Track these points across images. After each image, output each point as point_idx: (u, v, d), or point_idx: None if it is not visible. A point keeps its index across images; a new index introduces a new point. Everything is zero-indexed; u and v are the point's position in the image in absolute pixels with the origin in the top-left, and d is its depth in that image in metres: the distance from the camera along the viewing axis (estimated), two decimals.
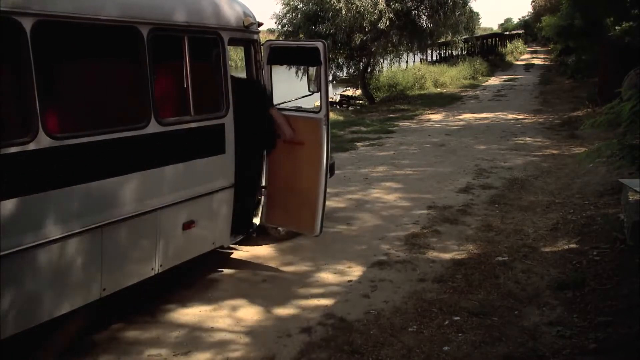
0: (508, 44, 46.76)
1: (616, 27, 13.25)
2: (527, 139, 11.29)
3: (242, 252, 5.37)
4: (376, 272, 4.86)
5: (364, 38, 16.59)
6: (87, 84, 3.84)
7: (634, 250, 4.75)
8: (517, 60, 41.78)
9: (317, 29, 16.27)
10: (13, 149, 3.01)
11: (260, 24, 5.01)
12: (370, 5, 15.55)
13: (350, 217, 6.45)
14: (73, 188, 3.37)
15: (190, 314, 4.22)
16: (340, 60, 18.73)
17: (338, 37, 15.93)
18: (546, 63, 36.82)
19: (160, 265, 4.08)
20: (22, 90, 3.10)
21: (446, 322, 3.95)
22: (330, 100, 7.04)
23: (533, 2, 48.37)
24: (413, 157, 9.78)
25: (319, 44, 4.76)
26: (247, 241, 5.37)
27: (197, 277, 4.78)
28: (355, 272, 4.91)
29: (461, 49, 31.95)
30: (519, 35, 54.39)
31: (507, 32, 56.09)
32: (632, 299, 4.01)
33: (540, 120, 13.84)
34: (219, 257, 5.10)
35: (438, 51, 34.05)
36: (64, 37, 3.49)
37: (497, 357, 3.51)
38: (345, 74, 19.93)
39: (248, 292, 4.57)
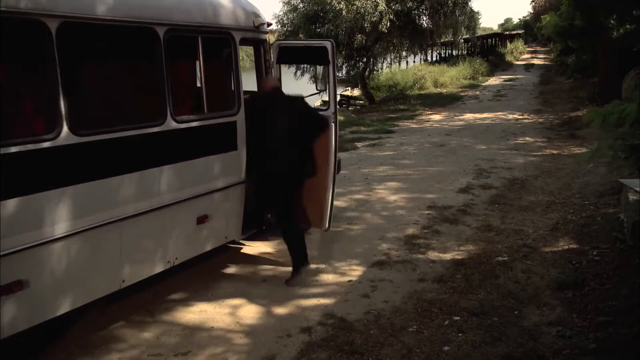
0: (508, 44, 46.76)
1: (619, 30, 13.23)
2: (527, 139, 11.29)
3: (242, 252, 5.37)
4: (376, 272, 4.86)
5: (365, 39, 16.59)
6: (108, 83, 3.97)
7: (634, 250, 4.75)
8: (517, 60, 41.78)
9: (318, 30, 16.26)
10: (39, 145, 3.16)
11: (269, 24, 5.13)
12: (371, 6, 15.55)
13: (351, 217, 6.45)
14: (95, 183, 3.51)
15: (191, 313, 4.22)
16: (340, 61, 18.73)
17: (339, 38, 15.93)
18: (546, 63, 36.81)
19: (176, 259, 4.22)
20: (48, 89, 3.24)
21: (446, 322, 3.95)
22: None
23: (533, 2, 48.37)
24: (413, 157, 9.78)
25: (327, 44, 4.86)
26: (258, 236, 5.46)
27: (197, 277, 4.78)
28: (355, 272, 4.91)
29: (461, 49, 31.95)
30: (519, 35, 54.38)
31: (507, 32, 56.05)
32: (632, 299, 4.01)
33: (540, 120, 13.85)
34: (219, 257, 5.09)
35: (438, 51, 34.06)
36: (86, 38, 3.62)
37: (497, 357, 3.51)
38: (344, 74, 19.93)
39: (248, 292, 4.57)
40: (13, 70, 3.35)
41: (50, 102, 3.25)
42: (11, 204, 3.04)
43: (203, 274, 4.85)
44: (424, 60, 31.14)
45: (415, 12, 17.59)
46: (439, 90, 22.25)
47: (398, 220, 6.28)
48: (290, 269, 5.00)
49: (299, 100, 4.92)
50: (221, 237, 4.70)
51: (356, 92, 21.47)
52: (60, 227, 3.32)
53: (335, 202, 6.87)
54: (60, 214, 3.31)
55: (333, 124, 4.94)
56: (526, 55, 47.73)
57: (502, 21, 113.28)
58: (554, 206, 6.60)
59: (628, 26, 12.88)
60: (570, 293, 4.31)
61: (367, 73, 19.78)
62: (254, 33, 4.87)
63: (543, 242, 5.44)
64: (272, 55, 5.16)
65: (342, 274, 4.88)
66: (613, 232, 5.34)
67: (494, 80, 26.54)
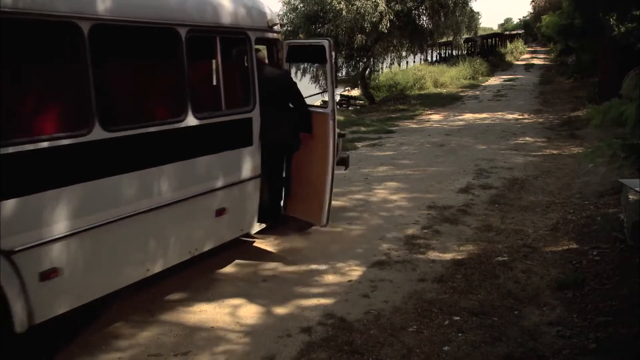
0: (508, 44, 46.75)
1: (620, 28, 13.21)
2: (527, 139, 11.29)
3: (243, 252, 5.37)
4: (376, 272, 4.86)
5: (365, 39, 16.60)
6: (135, 82, 4.16)
7: (634, 250, 4.75)
8: (517, 60, 41.77)
9: (318, 30, 16.27)
10: (72, 140, 3.34)
11: (282, 25, 5.30)
12: (371, 6, 15.56)
13: (351, 217, 6.45)
14: (123, 176, 3.70)
15: (190, 313, 4.22)
16: (340, 61, 18.74)
17: (339, 38, 15.94)
18: (546, 63, 36.81)
19: (196, 249, 4.41)
20: (81, 87, 3.41)
21: (446, 322, 3.95)
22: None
23: (533, 2, 48.32)
24: (413, 157, 9.78)
25: (325, 42, 4.99)
26: (274, 229, 5.66)
27: (197, 277, 4.78)
28: (355, 272, 4.91)
29: (461, 49, 31.96)
30: (519, 35, 54.37)
31: (507, 32, 56.05)
32: (632, 299, 4.02)
33: (540, 120, 13.84)
34: (220, 257, 5.10)
35: (438, 51, 34.06)
36: (116, 39, 3.78)
37: (497, 357, 3.50)
38: (345, 74, 19.95)
39: (248, 291, 4.57)
40: (54, 70, 3.55)
41: (83, 100, 3.43)
42: (49, 195, 3.25)
43: (203, 274, 4.85)
44: (424, 60, 31.15)
45: (415, 12, 17.61)
46: (439, 90, 22.24)
47: (398, 220, 6.28)
48: (290, 268, 5.01)
49: (283, 74, 5.21)
50: (237, 229, 4.89)
51: (356, 92, 21.48)
52: (93, 218, 3.50)
53: (335, 202, 6.90)
54: (91, 206, 3.50)
55: (332, 121, 5.04)
56: (526, 55, 47.72)
57: (502, 21, 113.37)
58: (554, 206, 6.60)
59: (629, 25, 12.87)
60: (570, 293, 4.31)
61: (367, 73, 19.78)
62: (268, 33, 5.05)
63: (543, 242, 5.44)
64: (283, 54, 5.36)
65: (342, 274, 4.88)
66: (613, 232, 5.34)
67: (494, 80, 26.53)
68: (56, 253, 3.31)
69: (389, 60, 22.68)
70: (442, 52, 34.82)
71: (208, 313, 4.22)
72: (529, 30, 60.51)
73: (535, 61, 39.43)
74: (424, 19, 18.11)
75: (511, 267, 4.84)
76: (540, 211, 6.43)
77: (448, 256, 5.17)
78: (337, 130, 6.15)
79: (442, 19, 17.49)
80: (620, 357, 3.45)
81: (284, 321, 4.06)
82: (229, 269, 5.05)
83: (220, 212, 4.55)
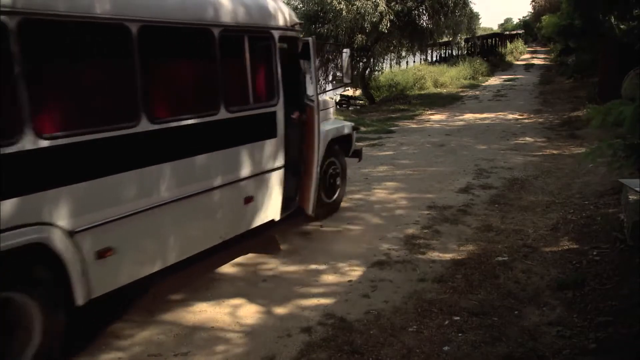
0: (508, 44, 46.73)
1: (621, 26, 13.21)
2: (527, 139, 11.29)
3: (242, 252, 5.37)
4: (376, 272, 4.86)
5: (365, 39, 16.59)
6: (176, 78, 4.45)
7: (634, 250, 4.75)
8: (517, 60, 41.76)
9: (318, 30, 16.27)
10: (123, 132, 3.70)
11: (300, 24, 5.79)
12: (371, 6, 15.55)
13: (351, 217, 6.45)
14: (163, 165, 4.01)
15: (190, 313, 4.22)
16: (340, 61, 18.71)
17: (339, 38, 15.93)
18: (546, 63, 36.80)
19: (226, 234, 4.73)
20: (128, 84, 3.75)
21: (446, 322, 3.95)
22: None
23: (533, 2, 48.32)
24: (413, 157, 9.78)
25: (309, 39, 5.42)
26: (296, 216, 5.91)
27: (197, 277, 4.78)
28: (355, 272, 4.91)
29: (461, 49, 31.95)
30: (519, 35, 54.36)
31: (507, 32, 56.03)
32: (632, 299, 4.01)
33: (540, 120, 13.84)
34: (220, 257, 5.10)
35: (438, 51, 34.05)
36: (160, 38, 4.08)
37: (497, 357, 3.50)
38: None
39: (248, 291, 4.57)
40: (109, 67, 3.85)
41: (130, 95, 3.77)
42: (105, 181, 3.59)
43: (203, 274, 4.85)
44: (424, 60, 31.14)
45: (415, 12, 17.59)
46: (439, 90, 22.25)
47: (398, 220, 6.28)
48: (290, 268, 5.01)
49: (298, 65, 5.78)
50: (263, 216, 5.18)
51: (357, 92, 21.47)
52: (141, 202, 3.86)
53: None
54: (140, 191, 3.84)
55: (316, 114, 5.47)
56: (526, 55, 47.71)
57: (502, 21, 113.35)
58: (554, 206, 6.60)
59: (630, 23, 12.87)
60: (570, 293, 4.31)
61: (367, 73, 19.77)
62: (289, 31, 5.41)
63: (543, 242, 5.44)
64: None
65: (342, 274, 4.88)
66: (613, 232, 5.34)
67: (494, 80, 26.53)
68: (111, 233, 3.64)
69: (389, 61, 22.68)
70: (442, 52, 34.81)
71: (208, 313, 4.22)
72: (529, 30, 60.49)
73: (535, 61, 39.42)
74: (424, 19, 18.09)
75: (511, 267, 4.84)
76: (540, 211, 6.43)
77: (448, 256, 5.17)
78: (352, 124, 6.99)
79: (442, 19, 17.49)
80: (620, 357, 3.45)
81: (284, 321, 4.06)
82: (229, 269, 5.05)
83: (248, 199, 4.90)
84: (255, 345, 3.75)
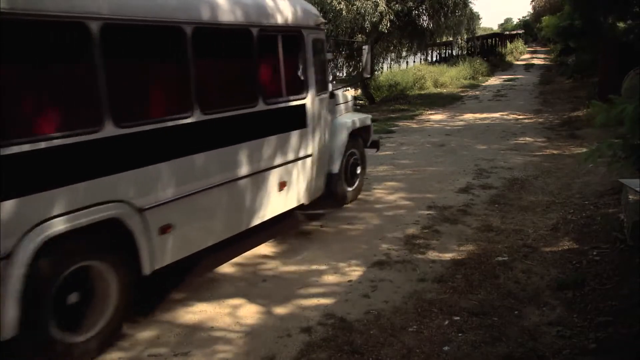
0: (508, 44, 46.73)
1: (619, 25, 13.21)
2: (527, 139, 11.29)
3: (242, 252, 5.37)
4: (376, 272, 4.86)
5: (365, 39, 16.58)
6: (223, 74, 4.94)
7: (634, 250, 4.75)
8: (517, 60, 41.77)
9: None
10: (178, 122, 4.15)
11: (325, 24, 6.30)
12: (371, 6, 15.55)
13: (351, 217, 6.45)
14: (213, 152, 4.45)
15: (190, 313, 4.22)
16: (340, 61, 18.72)
17: (339, 38, 15.92)
18: (546, 63, 36.81)
19: (263, 216, 5.14)
20: (185, 80, 4.21)
21: (446, 322, 3.95)
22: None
23: (533, 2, 48.31)
24: (413, 157, 9.78)
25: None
26: (321, 202, 6.38)
27: (197, 277, 4.78)
28: (355, 272, 4.91)
29: (461, 49, 31.95)
30: (519, 35, 54.36)
31: (507, 32, 56.02)
32: (632, 299, 4.01)
33: (540, 120, 13.84)
34: (220, 257, 5.10)
35: (438, 51, 34.05)
36: (210, 39, 4.49)
37: (497, 357, 3.50)
38: (345, 74, 19.92)
39: (248, 291, 4.57)
40: (171, 67, 4.33)
41: (186, 90, 4.24)
42: (166, 165, 4.04)
43: (203, 274, 4.85)
44: (424, 60, 31.13)
45: (415, 12, 17.59)
46: (439, 90, 22.24)
47: (398, 220, 6.28)
48: (290, 268, 5.01)
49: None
50: (295, 200, 5.66)
51: (356, 92, 21.44)
52: (195, 185, 4.30)
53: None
54: (193, 175, 4.28)
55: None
56: (526, 55, 47.71)
57: (502, 21, 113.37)
58: (554, 206, 6.60)
59: (630, 22, 12.88)
60: (570, 293, 4.31)
61: None
62: (317, 30, 5.93)
63: (543, 242, 5.44)
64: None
65: (342, 274, 4.88)
66: (613, 232, 5.34)
67: (494, 80, 26.53)
68: (171, 212, 4.09)
69: (389, 61, 22.66)
70: (442, 52, 34.81)
71: (208, 313, 4.22)
72: (529, 30, 60.51)
73: (535, 61, 39.43)
74: (424, 19, 18.09)
75: (511, 267, 4.84)
76: (540, 211, 6.42)
77: (448, 256, 5.17)
78: (370, 116, 7.51)
79: (442, 19, 17.48)
80: (620, 357, 3.45)
81: (284, 321, 4.06)
82: (229, 269, 5.05)
83: (282, 184, 5.35)
84: (255, 345, 3.75)
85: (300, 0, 5.86)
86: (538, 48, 56.27)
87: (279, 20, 5.25)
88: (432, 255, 5.23)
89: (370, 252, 5.33)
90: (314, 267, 5.03)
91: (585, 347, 3.55)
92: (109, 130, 3.58)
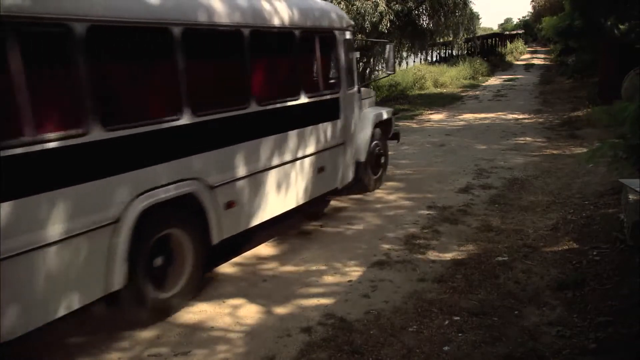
0: (508, 44, 46.73)
1: (619, 26, 13.20)
2: (527, 138, 11.29)
3: (243, 252, 5.37)
4: (376, 272, 4.86)
5: (365, 39, 16.57)
6: (273, 69, 5.55)
7: (634, 250, 4.75)
8: (517, 60, 41.76)
9: None
10: (237, 112, 4.75)
11: (353, 26, 6.91)
12: (371, 6, 15.55)
13: (351, 217, 6.46)
14: (267, 138, 5.08)
15: (190, 313, 4.22)
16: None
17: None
18: (546, 63, 36.80)
19: (304, 198, 5.73)
20: (244, 76, 4.87)
21: (446, 322, 3.95)
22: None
23: (533, 2, 48.31)
24: (413, 157, 9.78)
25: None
26: (351, 187, 6.96)
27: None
28: (355, 272, 4.91)
29: (461, 49, 31.94)
30: (519, 35, 54.35)
31: (507, 32, 56.01)
32: (632, 299, 4.01)
33: (541, 120, 13.84)
34: (220, 257, 5.09)
35: (438, 51, 34.03)
36: (263, 41, 5.12)
37: (497, 357, 3.50)
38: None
39: (248, 291, 4.57)
40: (235, 66, 4.90)
41: (245, 85, 4.87)
42: (231, 149, 4.66)
43: (203, 274, 4.84)
44: (424, 60, 31.11)
45: (415, 12, 17.58)
46: (439, 90, 22.23)
47: (398, 220, 6.28)
48: (290, 268, 5.01)
49: None
50: (330, 184, 6.26)
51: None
52: (254, 166, 4.92)
53: (335, 202, 6.92)
54: (253, 157, 4.90)
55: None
56: (526, 55, 47.71)
57: (502, 21, 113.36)
58: (554, 206, 6.60)
59: (631, 22, 12.87)
60: (570, 293, 4.31)
61: (367, 73, 19.75)
62: (346, 32, 6.51)
63: (543, 242, 5.44)
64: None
65: (342, 274, 4.88)
66: (613, 232, 5.34)
67: (494, 80, 26.53)
68: (235, 190, 4.72)
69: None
70: (442, 52, 34.80)
71: (208, 313, 4.22)
72: (529, 30, 60.52)
73: (535, 61, 39.42)
74: (424, 19, 18.08)
75: (511, 267, 4.84)
76: (540, 211, 6.43)
77: (448, 256, 5.17)
78: (392, 110, 8.18)
79: (442, 19, 17.47)
80: (620, 357, 3.45)
81: (284, 321, 4.06)
82: (229, 269, 5.05)
83: (320, 169, 5.96)
84: (255, 345, 3.75)
85: (332, 5, 6.64)
86: (538, 48, 56.29)
87: (316, 22, 5.93)
88: (432, 255, 5.23)
89: (370, 252, 5.33)
90: (314, 267, 5.03)
91: (585, 347, 3.55)
92: (188, 118, 4.19)
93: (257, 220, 5.02)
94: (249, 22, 4.83)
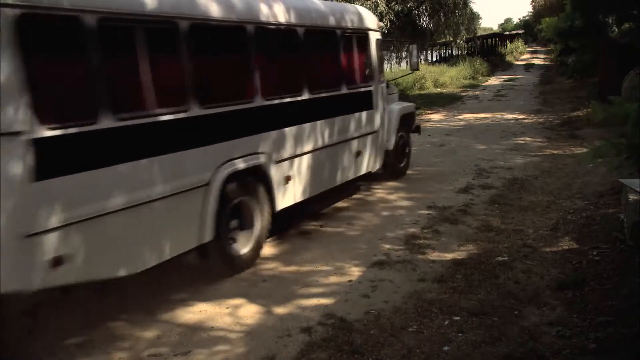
0: (508, 44, 46.74)
1: (620, 27, 13.22)
2: (527, 139, 11.29)
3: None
4: (376, 272, 4.86)
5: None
6: (320, 63, 6.33)
7: (634, 250, 4.75)
8: (517, 60, 41.77)
9: None
10: (291, 99, 5.55)
11: (383, 26, 7.72)
12: (371, 6, 15.55)
13: (351, 217, 6.45)
14: (316, 122, 5.88)
15: (190, 313, 4.22)
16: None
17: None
18: (546, 63, 36.81)
19: (345, 178, 6.55)
20: (300, 69, 5.77)
21: (446, 322, 3.94)
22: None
23: (533, 2, 48.33)
24: (413, 157, 9.74)
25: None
26: (378, 173, 7.73)
27: (197, 276, 4.78)
28: (355, 272, 4.91)
29: (461, 49, 31.94)
30: (519, 35, 54.36)
31: (507, 32, 56.02)
32: (632, 299, 4.01)
33: (540, 120, 13.84)
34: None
35: (438, 51, 34.05)
36: (312, 38, 5.92)
37: (497, 357, 3.50)
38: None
39: (248, 291, 4.57)
40: (290, 59, 5.78)
41: (300, 76, 5.74)
42: (288, 130, 5.41)
43: (203, 274, 4.84)
44: (424, 60, 31.12)
45: (416, 12, 17.60)
46: (439, 90, 22.22)
47: (398, 220, 6.28)
48: (290, 268, 5.01)
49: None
50: (365, 168, 7.05)
51: None
52: (306, 146, 5.69)
53: (334, 202, 6.92)
54: (305, 138, 5.67)
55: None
56: (526, 55, 47.73)
57: (502, 21, 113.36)
58: (554, 206, 6.60)
59: (630, 23, 12.88)
60: (570, 293, 4.31)
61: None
62: (377, 32, 7.36)
63: (543, 242, 5.44)
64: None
65: (342, 274, 4.88)
66: (613, 232, 5.34)
67: (494, 80, 26.53)
68: (292, 165, 5.49)
69: (389, 61, 22.64)
70: (442, 52, 34.82)
71: (208, 313, 4.22)
72: (529, 30, 60.56)
73: (535, 61, 39.43)
74: (424, 19, 18.10)
75: (511, 267, 4.84)
76: (540, 211, 6.43)
77: (448, 256, 5.17)
78: (414, 104, 9.04)
79: (442, 19, 17.50)
80: (620, 357, 3.45)
81: (284, 321, 4.06)
82: None
83: (357, 154, 6.75)
84: (255, 345, 3.75)
85: (366, 9, 7.65)
86: (538, 48, 56.30)
87: (355, 24, 6.77)
88: (432, 255, 5.23)
89: (370, 252, 5.33)
90: (314, 267, 5.03)
91: (585, 347, 3.55)
92: (258, 101, 5.03)
93: (305, 195, 5.76)
94: (306, 23, 5.76)
